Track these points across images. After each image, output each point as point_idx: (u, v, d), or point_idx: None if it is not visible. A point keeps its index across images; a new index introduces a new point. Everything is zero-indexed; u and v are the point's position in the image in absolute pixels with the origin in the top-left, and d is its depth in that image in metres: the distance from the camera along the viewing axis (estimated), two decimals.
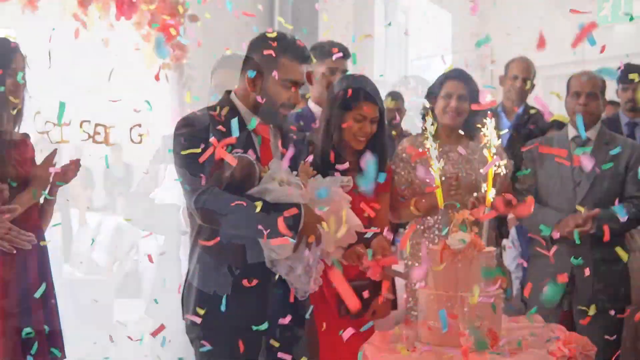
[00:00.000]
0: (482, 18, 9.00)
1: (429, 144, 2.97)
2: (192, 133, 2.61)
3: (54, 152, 2.90)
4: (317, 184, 2.69)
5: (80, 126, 3.68)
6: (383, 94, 6.71)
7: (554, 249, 3.08)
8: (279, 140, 2.81)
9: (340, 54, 3.70)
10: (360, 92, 3.07)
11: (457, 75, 3.58)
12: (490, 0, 9.07)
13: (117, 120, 3.86)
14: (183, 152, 2.58)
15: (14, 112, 2.87)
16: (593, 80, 3.78)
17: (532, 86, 5.12)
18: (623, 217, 3.07)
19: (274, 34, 2.75)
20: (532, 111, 4.97)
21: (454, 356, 2.43)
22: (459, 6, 8.75)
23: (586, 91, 3.74)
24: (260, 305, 2.63)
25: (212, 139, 2.48)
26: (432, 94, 3.62)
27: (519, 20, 7.30)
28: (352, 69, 3.82)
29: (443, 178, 3.17)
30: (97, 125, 3.76)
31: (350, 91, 3.07)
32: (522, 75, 4.98)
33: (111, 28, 3.76)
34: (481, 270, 2.59)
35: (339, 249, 2.71)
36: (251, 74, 2.67)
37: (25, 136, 2.98)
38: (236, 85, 2.79)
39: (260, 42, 2.72)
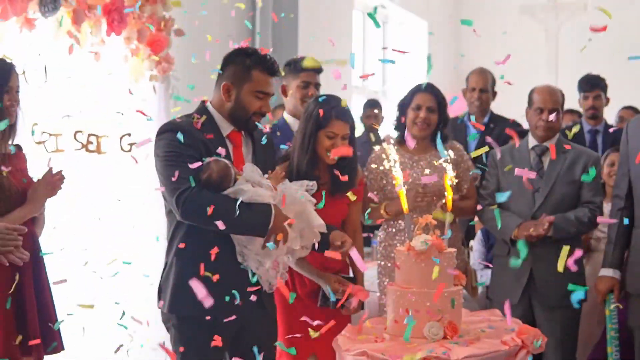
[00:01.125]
0: (457, 27, 9.24)
1: (393, 155, 3.16)
2: (172, 137, 2.83)
3: (50, 171, 3.03)
4: (285, 187, 2.95)
5: (74, 136, 3.91)
6: (362, 101, 6.95)
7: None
8: (251, 145, 3.06)
9: (313, 69, 3.93)
10: (331, 111, 3.25)
11: (427, 89, 3.83)
12: (465, 9, 9.34)
13: (108, 131, 4.08)
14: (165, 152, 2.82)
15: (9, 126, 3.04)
16: (555, 96, 3.94)
17: (494, 94, 5.35)
18: None
19: (247, 49, 3.03)
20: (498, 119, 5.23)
21: (417, 346, 2.63)
22: (436, 16, 8.99)
23: (549, 108, 3.89)
24: (231, 297, 2.81)
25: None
26: (403, 106, 3.88)
27: (491, 28, 7.53)
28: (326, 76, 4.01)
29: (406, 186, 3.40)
30: (89, 135, 3.99)
31: (321, 111, 3.25)
32: (478, 86, 5.18)
33: (102, 43, 3.93)
34: None
35: (304, 248, 2.95)
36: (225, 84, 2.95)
37: (18, 148, 3.11)
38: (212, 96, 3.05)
39: (234, 56, 2.99)
